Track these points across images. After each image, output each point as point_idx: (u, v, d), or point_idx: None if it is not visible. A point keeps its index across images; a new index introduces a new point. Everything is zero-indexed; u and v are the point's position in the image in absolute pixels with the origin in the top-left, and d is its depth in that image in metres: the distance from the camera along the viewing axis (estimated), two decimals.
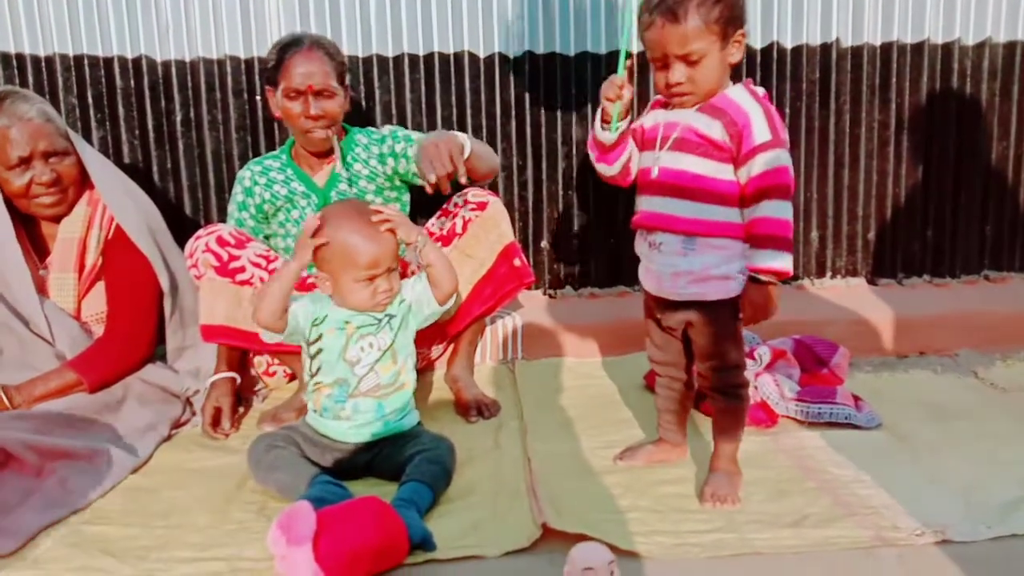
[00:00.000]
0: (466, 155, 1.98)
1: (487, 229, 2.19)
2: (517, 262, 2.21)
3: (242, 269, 2.11)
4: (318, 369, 1.78)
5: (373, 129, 2.30)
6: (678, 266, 1.65)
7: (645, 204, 1.70)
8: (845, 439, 1.93)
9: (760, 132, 1.57)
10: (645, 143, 1.70)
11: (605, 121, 1.66)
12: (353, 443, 1.79)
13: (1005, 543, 1.51)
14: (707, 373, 1.73)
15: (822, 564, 1.48)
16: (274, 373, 2.36)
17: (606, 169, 1.74)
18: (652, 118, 1.70)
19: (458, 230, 2.18)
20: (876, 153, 2.84)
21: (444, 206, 2.29)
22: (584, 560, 1.13)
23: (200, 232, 2.15)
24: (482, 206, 2.20)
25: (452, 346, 2.32)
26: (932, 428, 1.99)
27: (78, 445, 1.87)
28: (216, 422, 2.08)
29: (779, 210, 1.57)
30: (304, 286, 2.00)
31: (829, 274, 2.90)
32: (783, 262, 1.58)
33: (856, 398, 2.06)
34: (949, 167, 2.85)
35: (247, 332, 2.05)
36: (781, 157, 1.57)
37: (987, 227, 2.91)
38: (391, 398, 1.80)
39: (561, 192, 2.80)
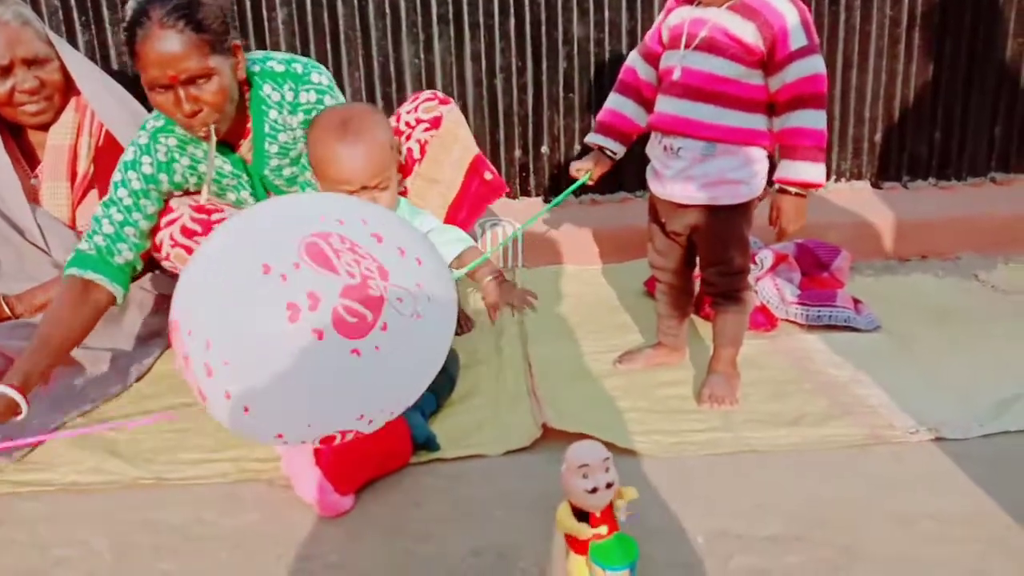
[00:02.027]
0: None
1: (447, 147, 1.95)
2: (488, 175, 2.02)
3: None
4: None
5: (278, 72, 1.75)
6: (693, 171, 1.62)
7: (665, 106, 1.65)
8: (844, 341, 1.95)
9: (796, 37, 1.52)
10: (668, 42, 1.65)
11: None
12: None
13: (996, 440, 1.54)
14: (712, 278, 1.72)
15: (817, 461, 1.51)
16: None
17: None
18: (677, 16, 1.63)
19: (416, 155, 1.93)
20: (886, 52, 2.74)
21: (395, 125, 1.93)
22: (580, 458, 1.14)
23: (159, 222, 1.84)
24: (436, 123, 1.93)
25: None
26: (931, 330, 2.00)
27: (83, 353, 1.89)
28: None
29: (814, 119, 1.53)
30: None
31: (833, 177, 2.85)
32: (816, 174, 1.55)
33: (856, 301, 2.06)
34: (961, 66, 2.77)
35: None
36: (817, 64, 1.53)
37: (996, 128, 2.85)
38: None
39: (562, 94, 2.73)
